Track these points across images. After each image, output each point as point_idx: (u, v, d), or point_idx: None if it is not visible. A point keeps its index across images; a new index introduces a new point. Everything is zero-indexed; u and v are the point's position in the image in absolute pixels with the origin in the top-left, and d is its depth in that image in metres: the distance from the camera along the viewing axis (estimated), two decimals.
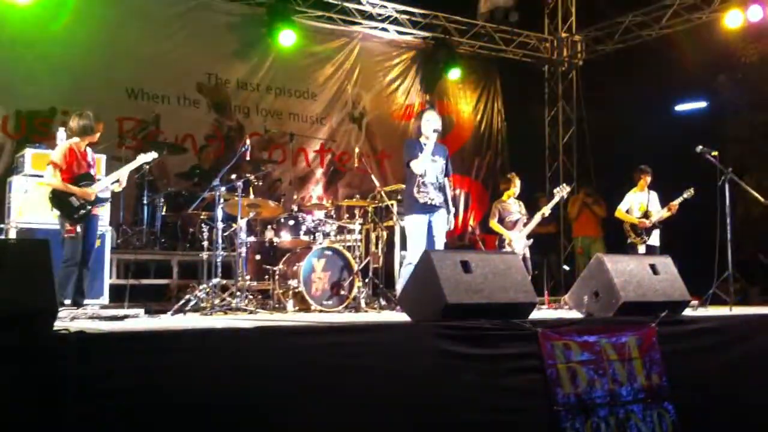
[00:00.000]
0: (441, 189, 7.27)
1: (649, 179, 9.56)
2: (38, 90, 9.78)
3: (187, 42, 10.95)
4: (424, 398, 4.07)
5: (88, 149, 7.01)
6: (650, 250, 9.18)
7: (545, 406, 4.39)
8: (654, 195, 9.58)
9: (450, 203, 7.38)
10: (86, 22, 10.17)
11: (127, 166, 7.20)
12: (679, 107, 12.74)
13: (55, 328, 3.55)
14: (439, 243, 7.22)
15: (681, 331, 5.15)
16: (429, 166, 7.17)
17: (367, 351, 4.05)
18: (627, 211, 9.54)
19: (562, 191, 9.22)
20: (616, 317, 5.13)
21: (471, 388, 4.22)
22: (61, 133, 7.82)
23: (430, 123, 7.27)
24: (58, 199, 6.69)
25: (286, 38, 11.22)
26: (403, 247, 8.60)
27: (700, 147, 8.04)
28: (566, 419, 4.38)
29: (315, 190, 10.61)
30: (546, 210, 9.04)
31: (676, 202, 9.22)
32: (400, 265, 8.14)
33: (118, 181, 7.08)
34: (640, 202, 9.51)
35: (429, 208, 7.16)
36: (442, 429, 4.11)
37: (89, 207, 6.77)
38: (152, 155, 7.34)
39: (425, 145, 7.22)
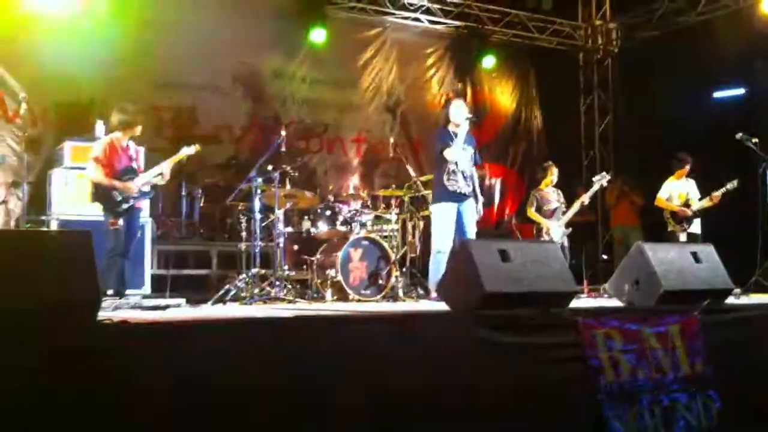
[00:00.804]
0: (470, 178, 7.28)
1: (689, 168, 9.44)
2: (76, 82, 9.81)
3: (221, 32, 10.92)
4: (465, 387, 4.05)
5: (130, 143, 7.06)
6: (691, 238, 9.07)
7: (588, 395, 4.36)
8: (692, 183, 9.47)
9: (478, 192, 7.38)
10: (121, 13, 10.23)
11: (169, 159, 7.23)
12: (718, 94, 12.55)
13: (98, 318, 3.59)
14: (470, 232, 7.22)
15: (724, 320, 5.07)
16: (459, 154, 7.17)
17: (406, 340, 4.04)
18: (667, 200, 9.43)
19: (601, 180, 9.15)
20: (657, 306, 5.08)
21: (512, 377, 4.19)
22: (99, 126, 7.91)
23: (461, 111, 7.28)
24: (100, 194, 6.77)
25: (318, 36, 11.28)
26: None
27: (741, 134, 7.93)
28: (609, 408, 4.35)
29: (352, 180, 10.64)
30: (585, 198, 8.97)
31: (718, 193, 9.08)
32: None
33: (161, 174, 7.13)
34: (679, 191, 9.41)
35: (458, 197, 7.19)
36: (483, 418, 4.09)
37: (132, 201, 6.84)
38: (195, 147, 7.37)
39: (454, 133, 7.22)
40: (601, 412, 4.33)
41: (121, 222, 6.77)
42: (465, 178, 7.24)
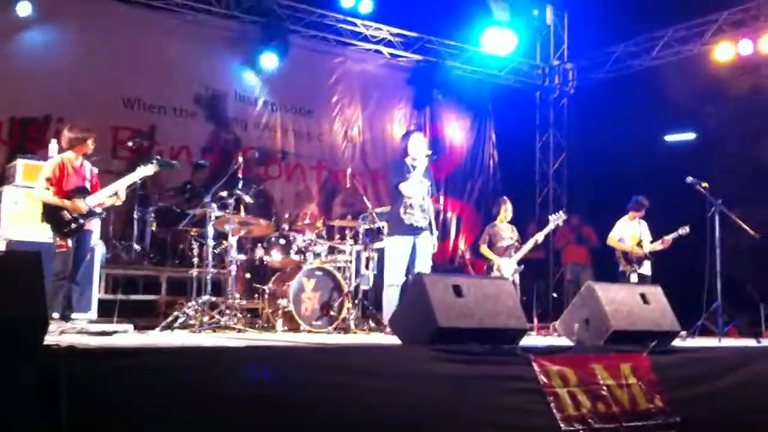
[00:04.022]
0: (426, 211, 7.26)
1: (644, 212, 9.56)
2: (34, 97, 9.73)
3: (184, 54, 10.95)
4: (420, 418, 4.03)
5: (85, 162, 6.92)
6: (642, 279, 9.16)
7: (551, 426, 4.35)
8: (645, 225, 9.60)
9: (434, 225, 7.36)
10: (84, 31, 10.16)
11: (125, 178, 6.99)
12: (669, 137, 12.81)
13: (45, 343, 3.52)
14: (424, 265, 7.19)
15: (674, 360, 5.15)
16: (416, 188, 7.18)
17: (358, 372, 4.02)
18: (619, 240, 9.54)
19: (557, 219, 9.20)
20: (606, 345, 5.13)
21: (471, 408, 4.18)
22: (53, 144, 7.77)
23: (419, 145, 7.29)
24: (49, 213, 6.63)
25: (269, 61, 11.33)
26: None
27: (690, 178, 8.07)
28: None
29: (310, 208, 10.64)
30: (539, 237, 9.03)
31: (669, 238, 9.23)
32: None
33: (116, 194, 6.97)
34: (632, 232, 9.50)
35: (414, 230, 7.16)
36: None
37: (81, 221, 6.69)
38: (153, 167, 7.17)
39: (412, 166, 7.22)
40: None
41: (70, 243, 6.61)
42: (422, 211, 7.22)
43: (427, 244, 7.26)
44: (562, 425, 4.36)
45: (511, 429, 4.26)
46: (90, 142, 6.84)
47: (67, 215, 6.62)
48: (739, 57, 11.52)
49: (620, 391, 4.70)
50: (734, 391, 5.21)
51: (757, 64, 11.77)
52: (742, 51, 11.39)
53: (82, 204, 6.68)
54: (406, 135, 7.62)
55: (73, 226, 6.64)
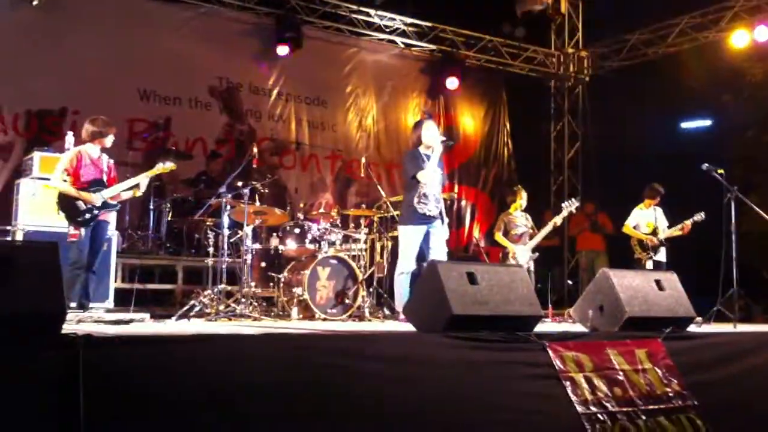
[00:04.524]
0: (438, 200, 7.26)
1: (659, 199, 9.54)
2: (50, 89, 9.80)
3: (198, 46, 11.02)
4: (435, 405, 4.05)
5: (104, 155, 7.01)
6: (657, 266, 9.16)
7: (569, 410, 4.36)
8: (660, 211, 9.58)
9: (444, 213, 7.34)
10: (99, 24, 10.23)
11: (145, 173, 7.16)
12: (685, 124, 12.76)
13: (62, 332, 3.56)
14: (438, 253, 7.16)
15: (689, 346, 5.15)
16: (431, 177, 7.16)
17: (372, 359, 4.04)
18: (634, 227, 9.52)
19: (571, 206, 9.16)
20: (621, 332, 5.13)
21: (486, 394, 4.18)
22: (69, 137, 7.84)
23: (433, 133, 7.25)
24: (64, 203, 6.72)
25: (283, 53, 11.43)
26: None
27: (706, 165, 8.02)
28: (593, 423, 4.36)
29: (325, 197, 10.68)
30: (558, 219, 9.01)
31: (689, 223, 9.22)
32: None
33: (136, 186, 7.07)
34: (647, 219, 9.49)
35: (427, 219, 7.13)
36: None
37: (96, 212, 6.78)
38: (170, 165, 7.29)
39: (426, 155, 7.20)
40: (584, 427, 4.33)
41: (82, 232, 6.69)
42: (435, 200, 7.22)
43: (441, 233, 7.24)
44: (579, 409, 4.37)
45: (528, 414, 4.27)
46: (110, 136, 6.95)
47: (81, 205, 6.72)
48: (755, 43, 11.43)
49: (636, 376, 4.70)
50: (750, 376, 5.20)
51: None
52: (758, 37, 11.30)
53: (97, 195, 6.79)
54: (419, 124, 7.53)
55: (87, 216, 6.74)
